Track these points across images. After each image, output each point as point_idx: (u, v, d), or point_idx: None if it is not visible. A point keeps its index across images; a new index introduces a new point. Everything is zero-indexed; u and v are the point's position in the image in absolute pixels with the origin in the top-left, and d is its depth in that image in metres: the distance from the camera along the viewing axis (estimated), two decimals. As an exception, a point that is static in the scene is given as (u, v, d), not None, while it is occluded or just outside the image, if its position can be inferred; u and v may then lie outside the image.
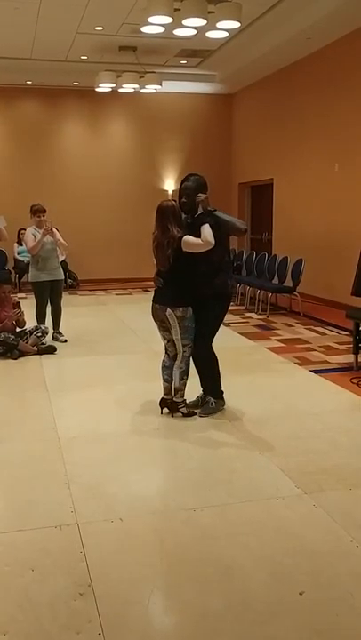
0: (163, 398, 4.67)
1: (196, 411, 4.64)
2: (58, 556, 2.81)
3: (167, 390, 4.65)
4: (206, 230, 4.20)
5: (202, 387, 4.74)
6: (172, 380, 4.60)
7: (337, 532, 3.01)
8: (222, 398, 4.74)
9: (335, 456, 3.90)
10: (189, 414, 4.57)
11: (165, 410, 4.65)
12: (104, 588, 2.57)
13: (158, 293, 4.53)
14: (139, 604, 2.48)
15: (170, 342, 4.59)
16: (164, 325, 4.54)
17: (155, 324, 4.61)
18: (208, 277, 4.39)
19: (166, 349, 4.69)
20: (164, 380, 4.66)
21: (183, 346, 4.48)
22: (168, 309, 4.41)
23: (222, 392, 4.74)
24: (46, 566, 2.73)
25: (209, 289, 4.41)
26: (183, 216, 4.42)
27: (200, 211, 4.32)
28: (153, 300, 4.57)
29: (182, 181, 4.48)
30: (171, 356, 4.64)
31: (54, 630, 2.33)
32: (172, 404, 4.59)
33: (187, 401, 4.64)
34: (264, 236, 12.32)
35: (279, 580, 2.64)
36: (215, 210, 4.35)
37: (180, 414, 4.57)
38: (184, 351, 4.49)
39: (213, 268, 4.37)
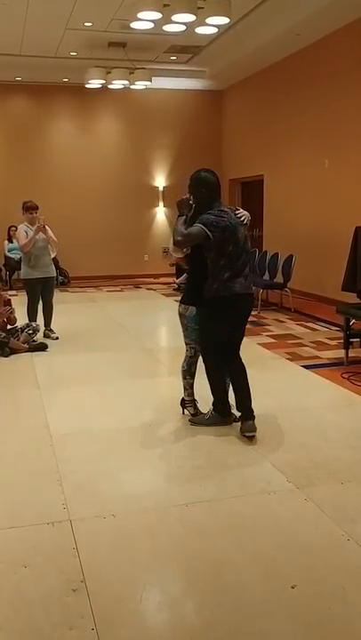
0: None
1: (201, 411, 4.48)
2: (50, 552, 2.81)
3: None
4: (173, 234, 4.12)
5: None
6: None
7: (329, 526, 3.02)
8: (221, 415, 4.37)
9: (326, 451, 3.92)
10: (196, 414, 4.44)
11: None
12: (97, 584, 2.57)
13: None
14: (132, 599, 2.49)
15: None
16: None
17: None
18: (203, 281, 4.17)
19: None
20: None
21: (186, 344, 4.38)
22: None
23: (224, 409, 4.38)
24: (39, 563, 2.73)
25: (203, 292, 4.20)
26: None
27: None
28: None
29: None
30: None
31: (47, 627, 2.33)
32: (182, 400, 4.53)
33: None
34: (255, 233, 12.33)
35: (272, 574, 2.66)
36: (181, 215, 4.12)
37: (188, 413, 4.48)
38: (186, 350, 4.39)
39: (204, 271, 4.14)
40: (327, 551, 2.82)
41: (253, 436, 4.10)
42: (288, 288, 9.20)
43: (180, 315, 4.33)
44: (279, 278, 9.35)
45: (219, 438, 4.16)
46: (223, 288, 4.08)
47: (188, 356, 4.39)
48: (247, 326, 8.29)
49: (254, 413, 4.20)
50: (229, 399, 4.40)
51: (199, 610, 2.44)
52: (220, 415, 4.38)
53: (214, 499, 3.32)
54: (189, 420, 4.43)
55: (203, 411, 4.46)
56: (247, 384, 4.26)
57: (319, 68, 9.55)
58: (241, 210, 4.23)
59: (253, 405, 4.37)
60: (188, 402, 4.49)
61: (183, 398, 4.52)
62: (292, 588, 2.55)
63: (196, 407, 4.47)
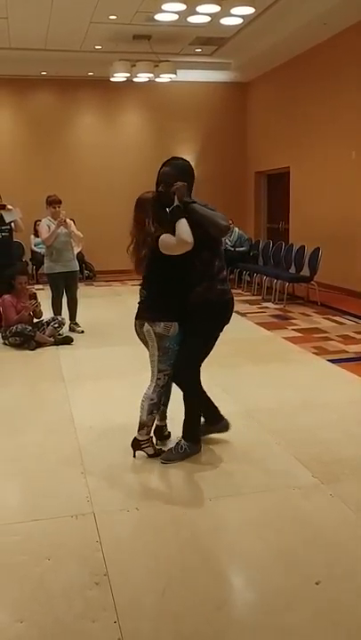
0: (157, 426, 3.90)
1: (164, 449, 3.79)
2: (74, 545, 2.82)
3: (162, 415, 3.92)
4: (182, 227, 3.35)
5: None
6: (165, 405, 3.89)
7: (354, 521, 2.98)
8: (198, 443, 3.75)
9: (352, 446, 3.87)
10: (155, 454, 3.73)
11: (158, 441, 3.89)
12: (120, 577, 2.57)
13: (139, 306, 3.71)
14: (154, 593, 2.48)
15: None
16: (147, 345, 3.72)
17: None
18: (191, 287, 3.55)
19: None
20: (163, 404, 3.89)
21: (159, 372, 3.63)
22: (146, 325, 3.59)
23: (199, 437, 3.78)
24: (62, 556, 2.74)
25: (192, 298, 3.55)
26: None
27: (175, 202, 3.45)
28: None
29: (161, 166, 3.60)
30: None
31: (70, 619, 2.34)
32: (134, 441, 3.73)
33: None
34: (281, 225, 12.22)
35: (295, 570, 2.62)
36: (194, 202, 3.44)
37: (146, 455, 3.73)
38: (158, 378, 3.65)
39: (198, 276, 3.54)
40: (352, 547, 2.77)
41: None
42: (314, 281, 9.10)
43: (160, 336, 3.56)
44: (305, 271, 9.25)
45: (243, 432, 4.12)
46: (224, 291, 3.59)
47: (160, 385, 3.67)
48: (273, 320, 8.29)
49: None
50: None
51: (222, 604, 2.42)
52: (197, 444, 3.75)
53: (238, 493, 3.29)
54: (161, 460, 3.68)
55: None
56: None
57: (346, 58, 9.39)
58: None
59: (278, 399, 4.30)
60: (146, 441, 3.74)
61: (137, 439, 3.73)
62: (317, 584, 2.51)
63: (154, 445, 3.80)
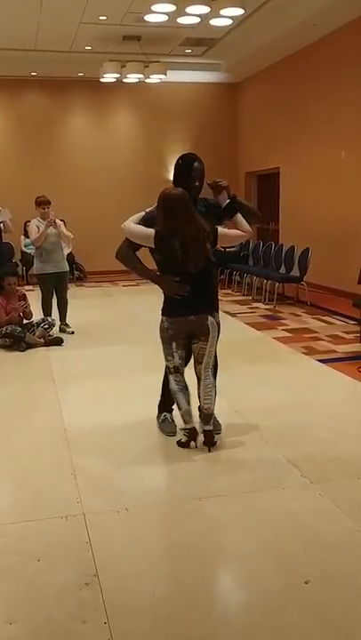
0: (194, 429, 3.83)
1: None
2: (64, 546, 2.82)
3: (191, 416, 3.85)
4: (242, 219, 3.76)
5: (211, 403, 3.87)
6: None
7: (343, 521, 3.00)
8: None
9: (342, 446, 3.89)
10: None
11: (193, 444, 3.84)
12: (110, 578, 2.58)
13: (190, 301, 3.67)
14: (144, 593, 2.49)
15: (182, 360, 3.87)
16: (188, 340, 3.80)
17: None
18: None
19: (180, 368, 3.87)
20: (189, 403, 3.82)
21: (214, 357, 3.85)
22: (210, 317, 3.71)
23: None
24: (53, 557, 2.74)
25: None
26: None
27: (223, 199, 3.80)
28: (180, 314, 3.72)
29: (190, 161, 3.76)
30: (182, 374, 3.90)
31: (61, 620, 2.34)
32: (212, 435, 3.80)
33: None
34: (271, 226, 12.25)
35: (286, 570, 2.64)
36: (236, 196, 3.87)
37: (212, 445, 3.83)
38: (214, 364, 3.86)
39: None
40: (343, 547, 2.79)
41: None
42: (304, 281, 9.13)
43: (219, 324, 3.81)
44: (295, 272, 9.28)
45: (233, 432, 4.13)
46: None
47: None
48: (263, 320, 8.32)
49: None
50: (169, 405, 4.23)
51: (213, 605, 2.43)
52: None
53: (228, 493, 3.30)
54: (218, 432, 3.95)
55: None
56: None
57: (336, 59, 9.43)
58: None
59: (268, 399, 4.31)
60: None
61: (212, 432, 3.82)
62: (306, 583, 2.53)
63: None
